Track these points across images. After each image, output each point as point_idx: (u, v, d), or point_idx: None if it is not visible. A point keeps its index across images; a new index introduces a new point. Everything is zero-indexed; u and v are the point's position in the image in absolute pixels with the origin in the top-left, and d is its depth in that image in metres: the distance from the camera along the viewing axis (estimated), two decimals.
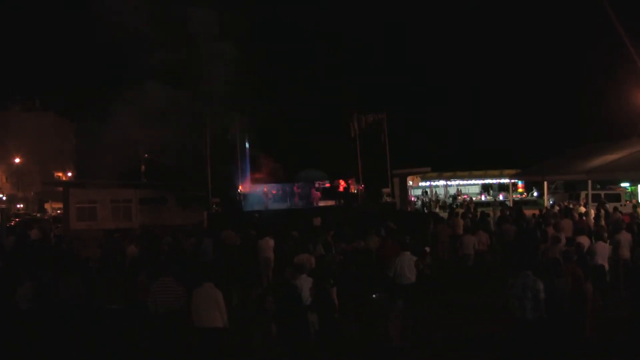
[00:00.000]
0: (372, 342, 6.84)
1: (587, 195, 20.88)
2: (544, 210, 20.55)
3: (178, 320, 8.47)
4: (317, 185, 28.12)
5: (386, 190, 27.95)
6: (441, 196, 44.85)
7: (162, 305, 8.54)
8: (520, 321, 7.90)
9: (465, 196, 44.86)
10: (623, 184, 33.25)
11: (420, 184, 44.24)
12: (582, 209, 21.15)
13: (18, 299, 9.54)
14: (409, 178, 36.60)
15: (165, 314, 8.51)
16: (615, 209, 20.53)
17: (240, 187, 26.64)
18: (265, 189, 27.78)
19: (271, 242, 14.63)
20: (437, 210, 35.15)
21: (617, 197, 29.24)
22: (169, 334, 8.51)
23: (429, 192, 44.96)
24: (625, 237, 12.85)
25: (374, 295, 7.21)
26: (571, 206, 24.05)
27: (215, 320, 8.14)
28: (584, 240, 12.23)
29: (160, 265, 9.39)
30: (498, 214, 20.48)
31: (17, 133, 66.00)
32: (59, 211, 47.40)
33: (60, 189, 37.95)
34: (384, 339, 6.81)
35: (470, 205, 28.38)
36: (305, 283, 8.87)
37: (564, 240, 12.78)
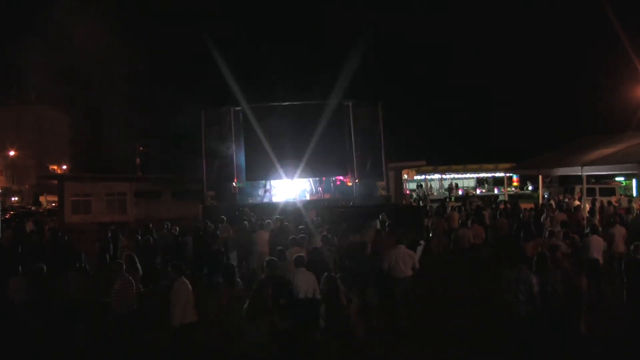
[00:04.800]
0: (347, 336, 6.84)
1: (581, 189, 20.92)
2: (539, 204, 20.59)
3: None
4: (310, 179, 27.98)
5: (381, 183, 27.83)
6: (435, 190, 44.84)
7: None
8: (515, 315, 7.90)
9: (461, 190, 44.89)
10: (618, 178, 33.28)
11: (415, 177, 44.23)
12: (577, 203, 21.19)
13: (11, 292, 9.49)
14: (404, 172, 36.58)
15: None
16: (609, 203, 20.58)
17: (235, 180, 26.56)
18: (264, 183, 27.69)
19: (266, 236, 14.52)
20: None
21: (611, 191, 29.27)
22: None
23: (423, 186, 45.03)
24: (619, 231, 12.87)
25: None
26: (566, 200, 24.10)
27: (192, 315, 8.13)
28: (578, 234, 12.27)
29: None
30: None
31: (12, 126, 65.75)
32: (53, 204, 47.23)
33: (56, 182, 37.85)
34: (355, 332, 6.83)
35: (470, 199, 28.37)
36: (300, 276, 8.77)
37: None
